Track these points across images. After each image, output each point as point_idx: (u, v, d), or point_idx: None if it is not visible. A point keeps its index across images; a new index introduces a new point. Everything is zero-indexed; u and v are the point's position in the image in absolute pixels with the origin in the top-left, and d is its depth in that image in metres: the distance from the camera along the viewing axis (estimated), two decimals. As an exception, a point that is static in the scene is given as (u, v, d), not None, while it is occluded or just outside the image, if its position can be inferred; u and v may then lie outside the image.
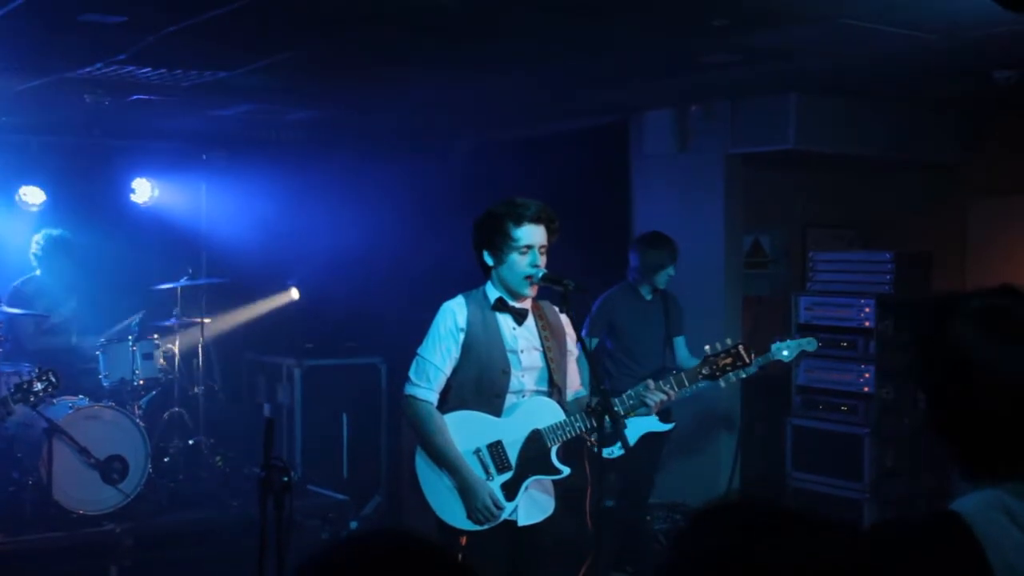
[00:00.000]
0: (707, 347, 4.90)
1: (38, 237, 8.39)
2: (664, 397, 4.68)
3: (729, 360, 4.82)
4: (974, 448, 1.80)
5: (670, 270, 7.05)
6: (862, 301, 7.77)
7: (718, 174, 8.55)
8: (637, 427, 6.70)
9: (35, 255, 8.36)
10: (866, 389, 7.72)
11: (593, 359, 6.96)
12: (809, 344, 6.61)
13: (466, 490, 4.51)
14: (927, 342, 1.82)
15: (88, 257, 8.58)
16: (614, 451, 6.67)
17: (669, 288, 7.22)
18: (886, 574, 1.37)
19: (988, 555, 1.67)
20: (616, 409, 4.55)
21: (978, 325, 1.75)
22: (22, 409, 7.09)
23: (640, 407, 4.67)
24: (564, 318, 4.76)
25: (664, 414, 6.75)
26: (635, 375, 6.66)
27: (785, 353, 6.49)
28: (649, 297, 7.13)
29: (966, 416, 1.78)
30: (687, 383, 4.80)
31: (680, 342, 7.21)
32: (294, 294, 9.96)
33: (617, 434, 4.50)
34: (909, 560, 1.62)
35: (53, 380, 6.89)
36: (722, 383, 5.05)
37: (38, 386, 6.85)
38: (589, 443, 6.51)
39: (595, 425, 4.47)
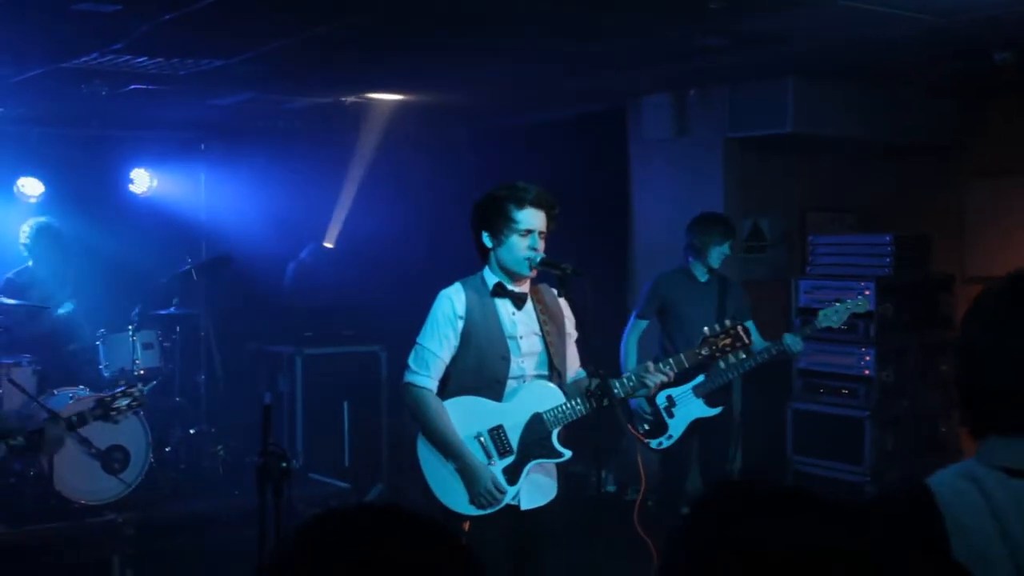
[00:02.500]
0: (706, 328, 4.91)
1: (25, 227, 8.40)
2: (664, 378, 4.67)
3: (728, 340, 4.83)
4: (964, 409, 1.91)
5: (724, 248, 6.75)
6: (862, 284, 7.76)
7: (716, 158, 8.55)
8: (685, 414, 6.63)
9: (24, 245, 8.36)
10: (866, 372, 7.71)
11: (586, 341, 6.92)
12: (858, 305, 6.49)
13: (468, 475, 4.51)
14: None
15: (83, 244, 8.57)
16: (663, 442, 6.64)
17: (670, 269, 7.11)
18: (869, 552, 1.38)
19: (946, 522, 1.75)
20: (615, 392, 4.55)
21: (991, 297, 1.91)
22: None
23: (640, 388, 4.66)
24: (563, 301, 4.76)
25: (711, 398, 6.63)
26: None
27: (834, 319, 6.41)
28: (704, 279, 6.84)
29: (956, 377, 1.92)
30: (686, 364, 4.80)
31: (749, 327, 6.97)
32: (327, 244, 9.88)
33: (615, 416, 4.50)
34: (874, 532, 1.65)
35: (137, 395, 6.04)
36: (722, 364, 5.06)
37: (122, 402, 5.99)
38: (635, 436, 6.51)
39: (594, 407, 4.47)
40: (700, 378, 6.54)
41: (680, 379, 6.33)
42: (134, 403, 6.01)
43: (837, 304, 6.45)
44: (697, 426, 6.63)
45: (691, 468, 6.95)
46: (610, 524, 7.01)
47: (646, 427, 6.57)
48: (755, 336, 6.94)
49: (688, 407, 6.60)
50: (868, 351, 7.71)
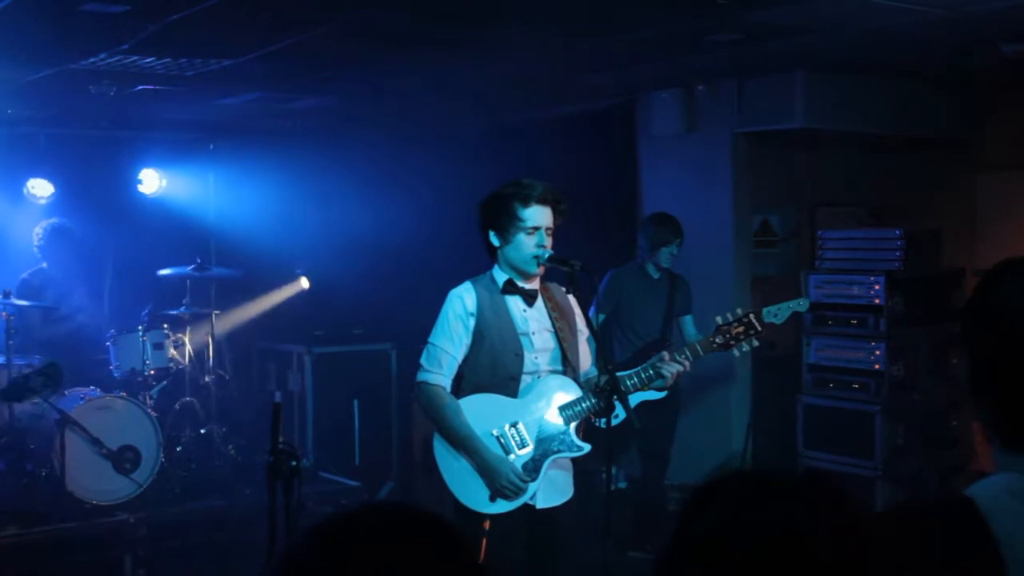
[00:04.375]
0: (718, 317, 4.94)
1: (38, 229, 8.41)
2: (680, 368, 4.70)
3: (741, 329, 4.86)
4: (1013, 413, 1.69)
5: (672, 249, 7.21)
6: (872, 278, 7.74)
7: (726, 154, 8.52)
8: (632, 397, 6.66)
9: (37, 247, 8.37)
10: (877, 366, 7.69)
11: (600, 338, 7.01)
12: (800, 305, 6.44)
13: (487, 469, 4.50)
14: (975, 304, 1.78)
15: (93, 245, 8.59)
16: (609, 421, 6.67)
17: (678, 269, 7.27)
18: (895, 558, 1.32)
19: (1001, 547, 1.58)
20: (632, 384, 4.57)
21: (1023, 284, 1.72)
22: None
23: (657, 379, 4.68)
24: (572, 299, 4.76)
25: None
26: (635, 349, 6.95)
27: (776, 317, 6.37)
28: (656, 276, 7.33)
29: (1005, 377, 1.70)
30: (701, 353, 4.82)
31: (688, 321, 7.38)
32: (304, 283, 9.95)
33: (628, 414, 4.50)
34: (920, 548, 1.56)
35: (52, 373, 6.54)
36: (735, 352, 5.07)
37: (35, 381, 6.49)
38: (594, 421, 6.48)
39: (604, 405, 4.46)
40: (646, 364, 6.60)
41: (629, 364, 6.40)
42: (49, 381, 6.64)
43: (781, 304, 6.42)
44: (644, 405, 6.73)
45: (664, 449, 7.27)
46: (620, 520, 7.04)
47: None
48: (690, 330, 7.34)
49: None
50: (879, 345, 7.68)
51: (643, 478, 7.51)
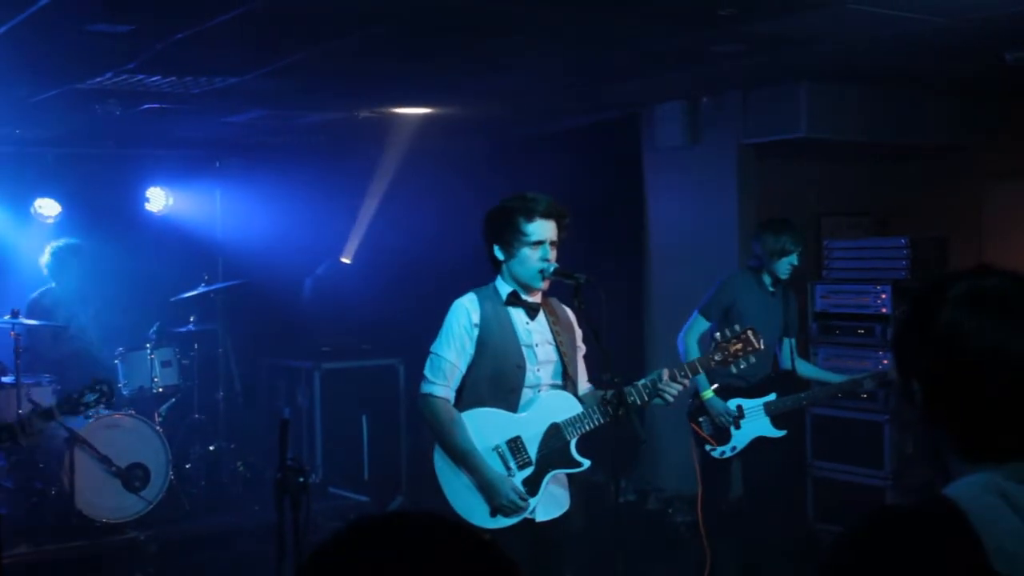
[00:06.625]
0: (717, 334, 4.88)
1: (48, 249, 8.42)
2: (681, 388, 4.63)
3: (740, 345, 4.79)
4: (976, 429, 1.74)
5: (793, 259, 6.40)
6: (878, 288, 7.74)
7: (731, 165, 8.53)
8: (751, 430, 6.31)
9: (47, 266, 8.39)
10: (885, 376, 7.67)
11: (608, 351, 6.82)
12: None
13: (487, 487, 4.49)
14: (918, 329, 1.79)
15: (101, 263, 8.61)
16: (726, 451, 6.33)
17: (688, 277, 7.02)
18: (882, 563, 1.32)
19: (984, 541, 1.60)
20: (632, 400, 4.53)
21: (968, 306, 1.75)
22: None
23: (655, 398, 4.63)
24: (571, 313, 4.76)
25: (778, 420, 6.35)
26: (741, 376, 6.10)
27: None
28: (772, 289, 6.51)
29: (965, 397, 1.74)
30: (700, 371, 4.76)
31: (790, 344, 6.63)
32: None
33: (631, 424, 4.48)
34: (903, 548, 1.59)
35: (105, 391, 6.48)
36: (733, 369, 5.03)
37: (90, 397, 6.50)
38: (705, 442, 6.35)
39: (610, 417, 4.45)
40: (772, 396, 6.35)
41: (753, 392, 6.30)
42: (102, 398, 6.46)
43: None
44: (757, 445, 6.35)
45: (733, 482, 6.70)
46: (631, 533, 7.01)
47: (712, 429, 6.29)
48: (785, 355, 6.60)
49: (756, 423, 6.32)
50: (886, 355, 7.67)
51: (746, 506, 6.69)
